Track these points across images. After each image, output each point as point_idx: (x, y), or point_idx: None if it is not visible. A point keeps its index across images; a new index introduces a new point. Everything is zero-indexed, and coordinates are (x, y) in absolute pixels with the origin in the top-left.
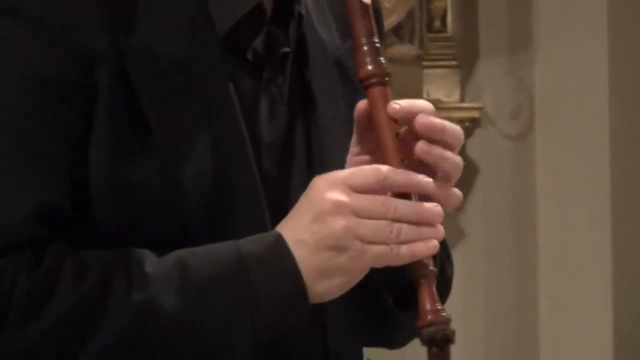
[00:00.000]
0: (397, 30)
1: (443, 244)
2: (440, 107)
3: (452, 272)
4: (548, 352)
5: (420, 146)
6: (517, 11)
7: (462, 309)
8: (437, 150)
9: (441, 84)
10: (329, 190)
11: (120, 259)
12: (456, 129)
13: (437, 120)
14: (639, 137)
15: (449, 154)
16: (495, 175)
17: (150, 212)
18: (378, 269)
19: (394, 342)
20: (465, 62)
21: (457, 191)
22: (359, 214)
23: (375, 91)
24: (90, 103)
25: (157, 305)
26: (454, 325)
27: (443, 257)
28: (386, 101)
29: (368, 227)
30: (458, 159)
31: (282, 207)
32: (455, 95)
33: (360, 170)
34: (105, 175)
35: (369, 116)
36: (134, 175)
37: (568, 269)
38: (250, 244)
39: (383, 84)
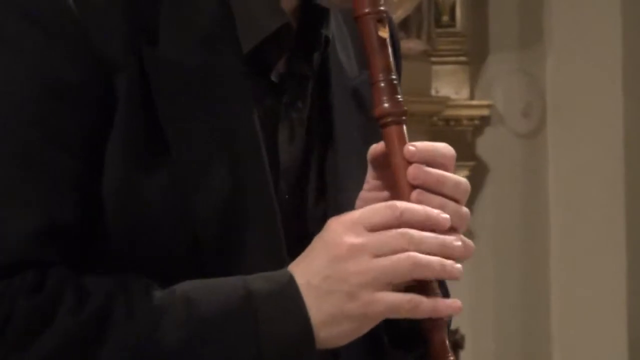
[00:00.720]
0: (405, 25)
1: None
2: (449, 104)
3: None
4: (560, 354)
5: (415, 196)
6: (528, 6)
7: (471, 312)
8: (436, 200)
9: (450, 81)
10: (344, 233)
11: (123, 289)
12: (461, 181)
13: (434, 172)
14: None
15: (450, 204)
16: (506, 174)
17: (160, 229)
18: None
19: None
20: (474, 58)
21: (469, 242)
22: (377, 252)
23: (392, 131)
24: (109, 111)
25: (158, 338)
26: (463, 328)
27: None
28: (402, 141)
29: (383, 269)
30: (462, 210)
31: (296, 233)
32: (465, 92)
33: (375, 208)
34: (117, 187)
35: (385, 155)
36: (146, 190)
37: (580, 269)
38: (260, 281)
39: (399, 123)
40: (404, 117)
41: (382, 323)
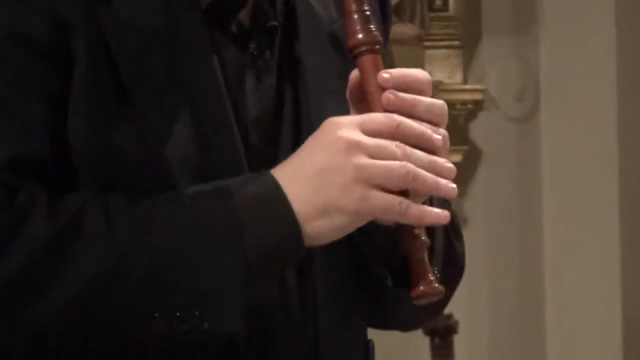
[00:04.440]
0: (398, 9)
1: (452, 218)
2: (442, 89)
3: (462, 249)
4: (555, 340)
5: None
6: None
7: (465, 298)
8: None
9: (443, 65)
10: (341, 130)
11: (100, 200)
12: (435, 103)
13: (408, 96)
14: None
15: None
16: (499, 159)
17: (132, 176)
18: (372, 246)
19: (393, 322)
20: (468, 43)
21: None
22: (373, 155)
23: (366, 60)
24: (68, 65)
25: (140, 241)
26: (457, 315)
27: (450, 231)
28: (377, 70)
29: (380, 168)
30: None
31: None
32: (458, 77)
33: (374, 115)
34: (84, 136)
35: (360, 86)
36: (112, 139)
37: (574, 254)
38: (242, 184)
39: (374, 52)
40: (377, 47)
41: (374, 263)
